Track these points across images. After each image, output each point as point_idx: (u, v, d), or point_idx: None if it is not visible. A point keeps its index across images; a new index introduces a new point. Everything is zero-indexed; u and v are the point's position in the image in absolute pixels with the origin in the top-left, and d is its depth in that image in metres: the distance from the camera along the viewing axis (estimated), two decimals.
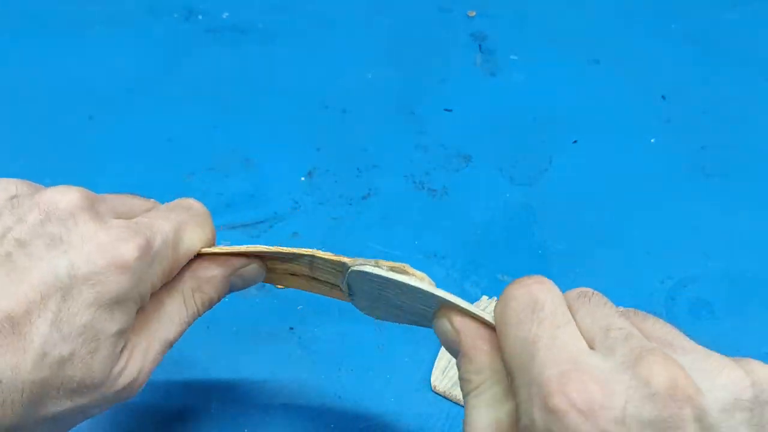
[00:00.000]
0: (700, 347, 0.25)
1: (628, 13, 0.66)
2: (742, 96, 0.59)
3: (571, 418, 0.23)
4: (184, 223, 0.32)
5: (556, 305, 0.26)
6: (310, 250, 0.33)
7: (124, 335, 0.29)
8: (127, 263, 0.28)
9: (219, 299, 0.34)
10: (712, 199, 0.52)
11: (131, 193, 0.34)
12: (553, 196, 0.52)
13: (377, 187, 0.52)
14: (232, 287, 0.34)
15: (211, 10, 0.65)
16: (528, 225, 0.50)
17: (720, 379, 0.23)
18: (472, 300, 0.45)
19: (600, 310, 0.26)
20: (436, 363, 0.42)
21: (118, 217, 0.31)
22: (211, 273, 0.33)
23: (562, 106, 0.58)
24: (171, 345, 0.32)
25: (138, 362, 0.30)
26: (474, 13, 0.65)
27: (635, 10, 0.66)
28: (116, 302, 0.28)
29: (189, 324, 0.33)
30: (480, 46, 0.63)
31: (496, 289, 0.46)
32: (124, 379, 0.30)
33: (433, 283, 0.30)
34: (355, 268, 0.31)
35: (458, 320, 0.29)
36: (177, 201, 0.34)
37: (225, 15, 0.64)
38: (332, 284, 0.35)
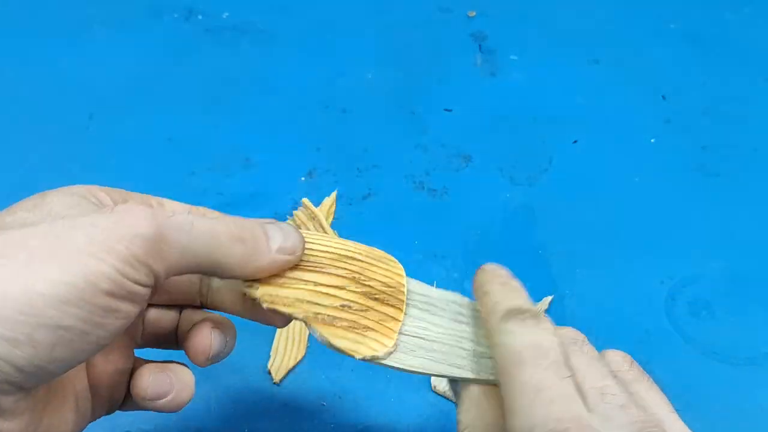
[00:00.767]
0: (687, 428, 0.26)
1: (628, 14, 0.66)
2: (741, 96, 0.59)
3: None
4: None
5: (558, 353, 0.26)
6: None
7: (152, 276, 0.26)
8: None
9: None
10: (712, 199, 0.52)
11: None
12: (553, 196, 0.52)
13: (377, 187, 0.52)
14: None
15: (211, 11, 0.65)
16: (528, 225, 0.50)
17: None
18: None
19: (594, 366, 0.27)
20: None
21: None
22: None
23: (562, 106, 0.58)
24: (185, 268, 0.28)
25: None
26: (474, 14, 0.65)
27: (635, 10, 0.66)
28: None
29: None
30: (480, 46, 0.63)
31: None
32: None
33: None
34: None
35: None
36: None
37: (225, 15, 0.65)
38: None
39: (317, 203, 0.50)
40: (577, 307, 0.46)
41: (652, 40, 0.64)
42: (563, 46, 0.63)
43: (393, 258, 0.33)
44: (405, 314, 0.31)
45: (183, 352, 0.32)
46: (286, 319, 0.33)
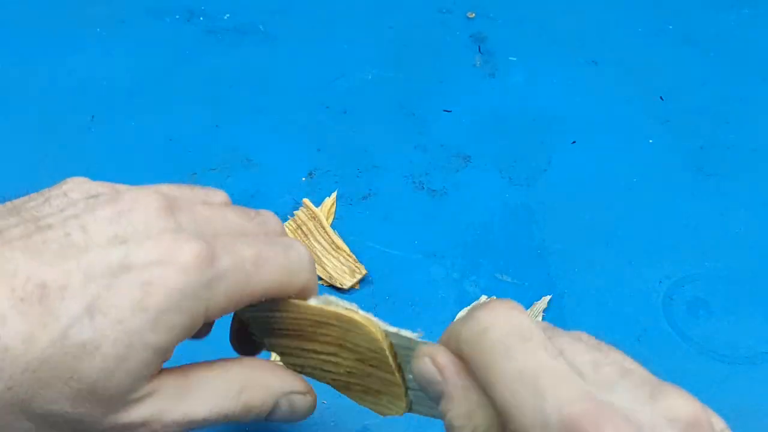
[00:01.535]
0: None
1: (626, 15, 0.66)
2: (740, 96, 0.59)
3: None
4: (272, 260, 0.28)
5: (541, 333, 0.24)
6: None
7: (161, 356, 0.26)
8: (181, 265, 0.25)
9: (259, 414, 0.30)
10: (710, 200, 0.52)
11: (227, 201, 0.31)
12: (552, 197, 0.52)
13: (377, 187, 0.52)
14: (276, 408, 0.30)
15: (212, 12, 0.65)
16: (527, 225, 0.51)
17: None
18: (472, 300, 0.46)
19: (575, 344, 0.25)
20: None
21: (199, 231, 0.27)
22: (269, 380, 0.30)
23: (560, 107, 0.58)
24: (190, 426, 0.28)
25: (152, 411, 0.27)
26: (473, 15, 0.65)
27: (633, 11, 0.66)
28: (163, 309, 0.25)
29: (219, 418, 0.28)
30: (479, 47, 0.63)
31: (495, 289, 0.46)
32: (130, 416, 0.26)
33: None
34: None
35: (442, 358, 0.26)
36: (281, 239, 0.30)
37: (226, 16, 0.65)
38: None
39: (317, 203, 0.50)
40: (575, 306, 0.46)
41: (651, 41, 0.64)
42: (562, 47, 0.63)
43: (354, 316, 0.29)
44: (401, 371, 0.29)
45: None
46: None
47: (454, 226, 0.50)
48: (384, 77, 0.60)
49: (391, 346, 0.28)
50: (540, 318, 0.45)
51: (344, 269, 0.46)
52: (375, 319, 0.28)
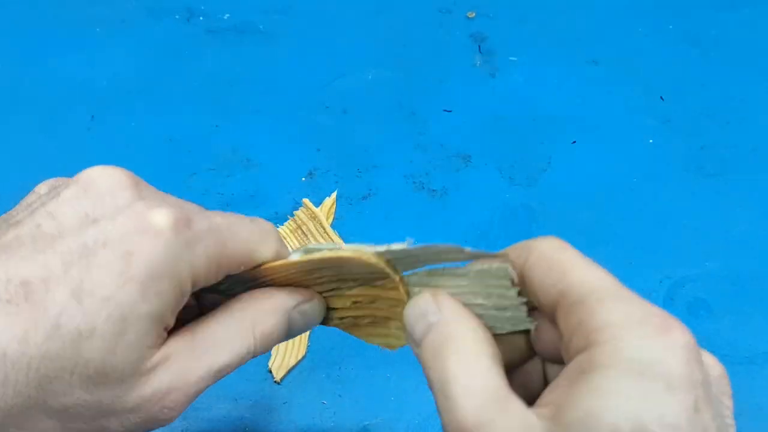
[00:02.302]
0: None
1: (627, 14, 0.66)
2: (740, 96, 0.59)
3: (691, 347, 0.23)
4: (241, 225, 0.28)
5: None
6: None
7: (158, 324, 0.26)
8: (159, 230, 0.25)
9: (278, 338, 0.30)
10: (711, 199, 0.52)
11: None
12: (552, 197, 0.52)
13: (377, 187, 0.52)
14: (291, 325, 0.30)
15: (211, 12, 0.65)
16: (527, 225, 0.51)
17: None
18: None
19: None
20: None
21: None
22: (273, 303, 0.29)
23: (561, 107, 0.58)
24: (219, 375, 0.28)
25: (174, 375, 0.26)
26: (474, 14, 0.65)
27: (634, 11, 0.66)
28: (148, 276, 0.25)
29: (242, 358, 0.28)
30: (479, 47, 0.63)
31: None
32: (152, 386, 0.26)
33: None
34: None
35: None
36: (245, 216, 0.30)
37: (226, 16, 0.65)
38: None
39: (317, 203, 0.50)
40: None
41: (651, 41, 0.64)
42: (562, 47, 0.63)
43: (342, 254, 0.28)
44: (405, 285, 0.28)
45: None
46: None
47: (454, 226, 0.50)
48: (384, 77, 0.60)
49: (388, 262, 0.28)
50: None
51: None
52: (362, 246, 0.28)
